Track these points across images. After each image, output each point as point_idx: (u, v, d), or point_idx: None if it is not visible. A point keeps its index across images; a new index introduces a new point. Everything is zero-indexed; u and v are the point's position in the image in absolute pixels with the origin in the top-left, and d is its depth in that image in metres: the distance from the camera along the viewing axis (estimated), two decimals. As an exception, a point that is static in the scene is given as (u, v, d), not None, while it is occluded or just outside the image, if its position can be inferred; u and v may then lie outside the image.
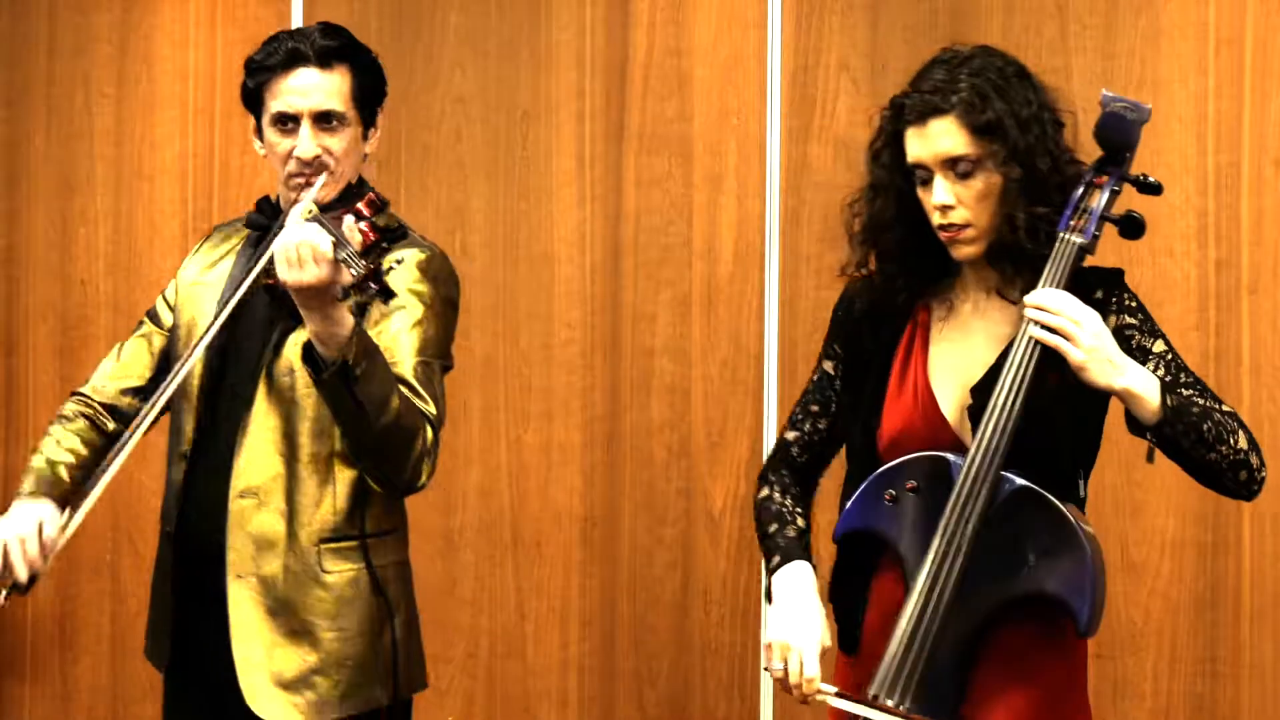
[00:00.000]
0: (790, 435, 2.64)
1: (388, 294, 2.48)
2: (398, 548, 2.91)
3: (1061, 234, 2.37)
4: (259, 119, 2.85)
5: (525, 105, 4.25)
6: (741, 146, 4.08)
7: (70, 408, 2.97)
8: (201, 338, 2.74)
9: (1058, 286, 2.35)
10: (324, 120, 2.78)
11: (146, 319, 3.00)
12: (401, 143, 4.30)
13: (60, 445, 2.89)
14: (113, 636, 4.54)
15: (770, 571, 2.51)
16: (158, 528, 4.49)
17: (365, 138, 2.87)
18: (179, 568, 2.84)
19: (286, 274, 2.51)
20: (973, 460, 2.36)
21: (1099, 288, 2.45)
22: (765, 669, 2.46)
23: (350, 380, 2.53)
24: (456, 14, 4.31)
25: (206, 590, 2.78)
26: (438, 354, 2.79)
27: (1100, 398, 2.44)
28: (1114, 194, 2.41)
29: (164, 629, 2.87)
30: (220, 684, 2.76)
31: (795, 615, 2.43)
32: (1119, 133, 2.39)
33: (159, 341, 2.96)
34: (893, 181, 2.45)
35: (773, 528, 2.55)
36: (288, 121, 2.79)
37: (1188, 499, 3.76)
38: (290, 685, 2.73)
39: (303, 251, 2.49)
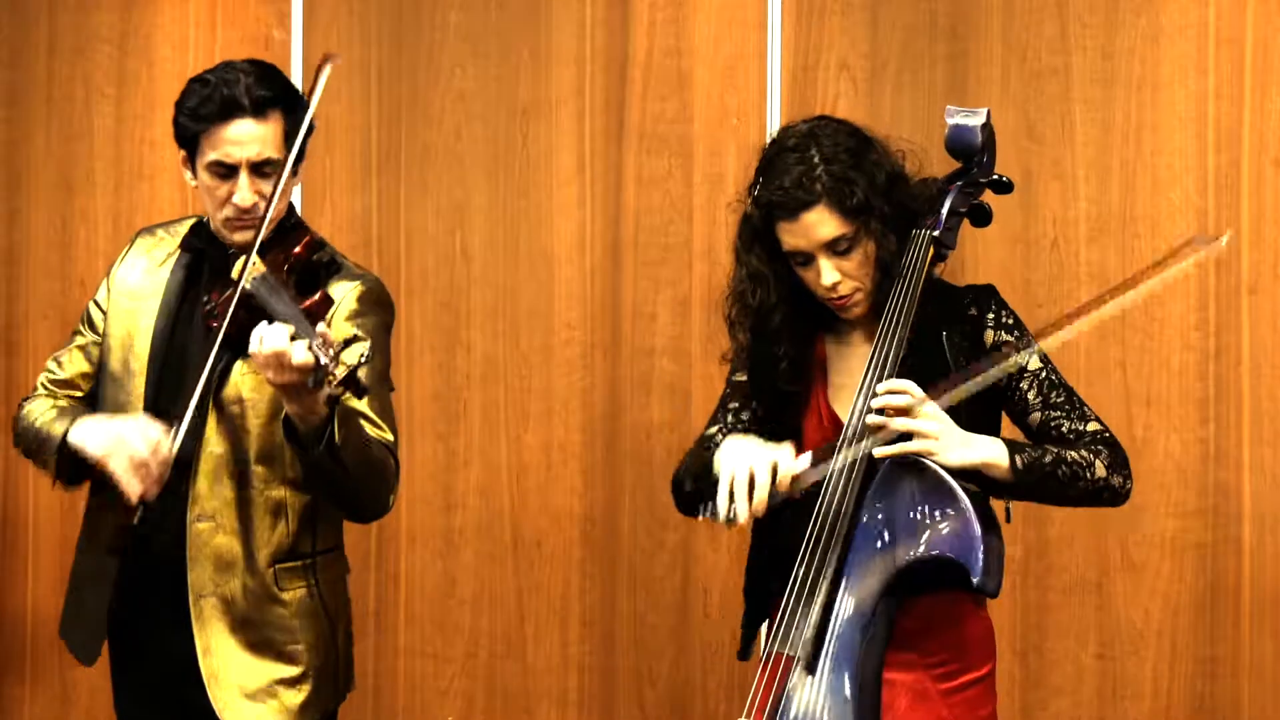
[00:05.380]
0: (711, 429, 2.71)
1: (361, 390, 2.56)
2: (340, 562, 3.02)
3: (915, 231, 2.55)
4: (192, 157, 2.87)
5: (525, 104, 4.25)
6: (741, 146, 4.07)
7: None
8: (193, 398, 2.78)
9: (912, 274, 2.53)
10: (260, 168, 2.82)
11: (83, 327, 3.02)
12: (401, 142, 4.30)
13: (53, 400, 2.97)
14: (113, 636, 4.54)
15: (710, 459, 2.52)
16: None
17: (296, 173, 2.92)
18: (127, 580, 2.91)
19: (268, 375, 2.59)
20: (844, 437, 2.50)
21: (973, 304, 2.61)
22: (706, 512, 2.47)
23: (335, 455, 2.65)
24: (457, 12, 4.30)
25: (162, 610, 2.88)
26: (383, 379, 2.91)
27: (991, 410, 2.60)
28: (966, 193, 2.59)
29: (97, 631, 2.94)
30: (181, 697, 2.88)
31: (746, 443, 2.47)
32: (961, 141, 2.61)
33: (95, 351, 2.98)
34: (772, 269, 2.60)
35: (701, 456, 2.59)
36: (224, 169, 2.83)
37: (1188, 499, 3.77)
38: (256, 695, 2.87)
39: (281, 360, 2.55)
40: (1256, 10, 3.75)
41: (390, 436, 2.83)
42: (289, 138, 2.83)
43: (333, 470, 2.68)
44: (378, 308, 2.93)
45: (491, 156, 4.27)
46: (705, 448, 2.67)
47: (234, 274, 2.72)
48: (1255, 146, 3.75)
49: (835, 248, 2.53)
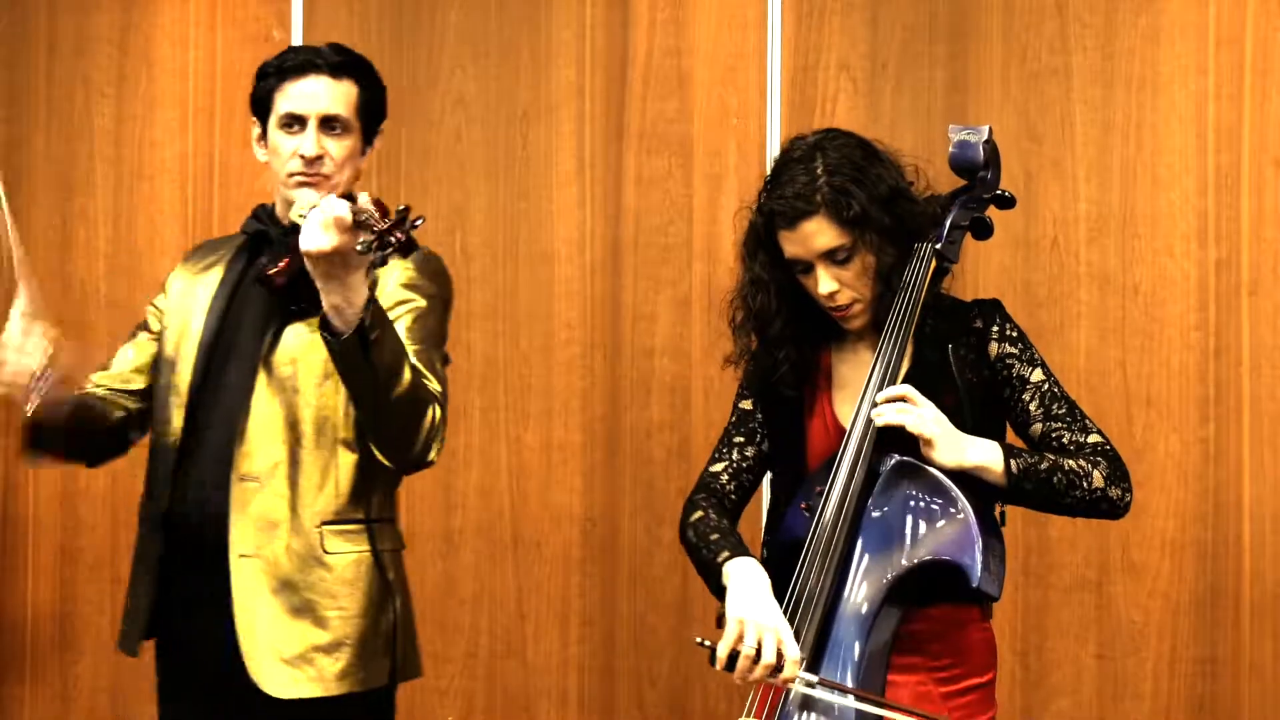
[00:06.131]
0: (716, 467, 2.74)
1: (410, 247, 2.50)
2: (395, 536, 2.98)
3: (917, 245, 2.59)
4: (264, 123, 2.96)
5: (525, 105, 4.25)
6: (741, 146, 4.08)
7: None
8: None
9: (914, 286, 2.56)
10: (329, 125, 2.90)
11: (137, 328, 3.08)
12: (401, 143, 4.30)
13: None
14: (113, 636, 4.52)
15: (721, 563, 2.56)
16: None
17: (363, 152, 2.98)
18: (171, 553, 2.89)
19: (310, 241, 2.57)
20: (846, 444, 2.54)
21: (979, 317, 2.64)
22: (705, 643, 2.49)
23: (366, 344, 2.62)
24: (456, 14, 4.31)
25: (204, 572, 2.84)
26: (437, 345, 2.89)
27: (994, 421, 2.62)
28: (969, 209, 2.63)
29: (140, 617, 2.93)
30: (219, 664, 2.82)
31: (764, 599, 2.48)
32: (965, 159, 2.65)
33: (149, 348, 3.03)
34: (773, 276, 2.64)
35: (715, 536, 2.62)
36: (295, 123, 2.91)
37: (1188, 499, 3.77)
38: (292, 661, 2.81)
39: (325, 217, 2.57)
40: (1256, 10, 3.75)
41: (438, 388, 2.80)
42: (361, 108, 2.93)
43: (362, 368, 2.64)
44: (438, 279, 2.94)
45: (491, 157, 4.27)
46: (711, 489, 2.72)
47: (293, 215, 2.73)
48: (1255, 146, 3.75)
49: (833, 257, 2.56)
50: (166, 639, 2.95)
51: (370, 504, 2.88)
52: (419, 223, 2.51)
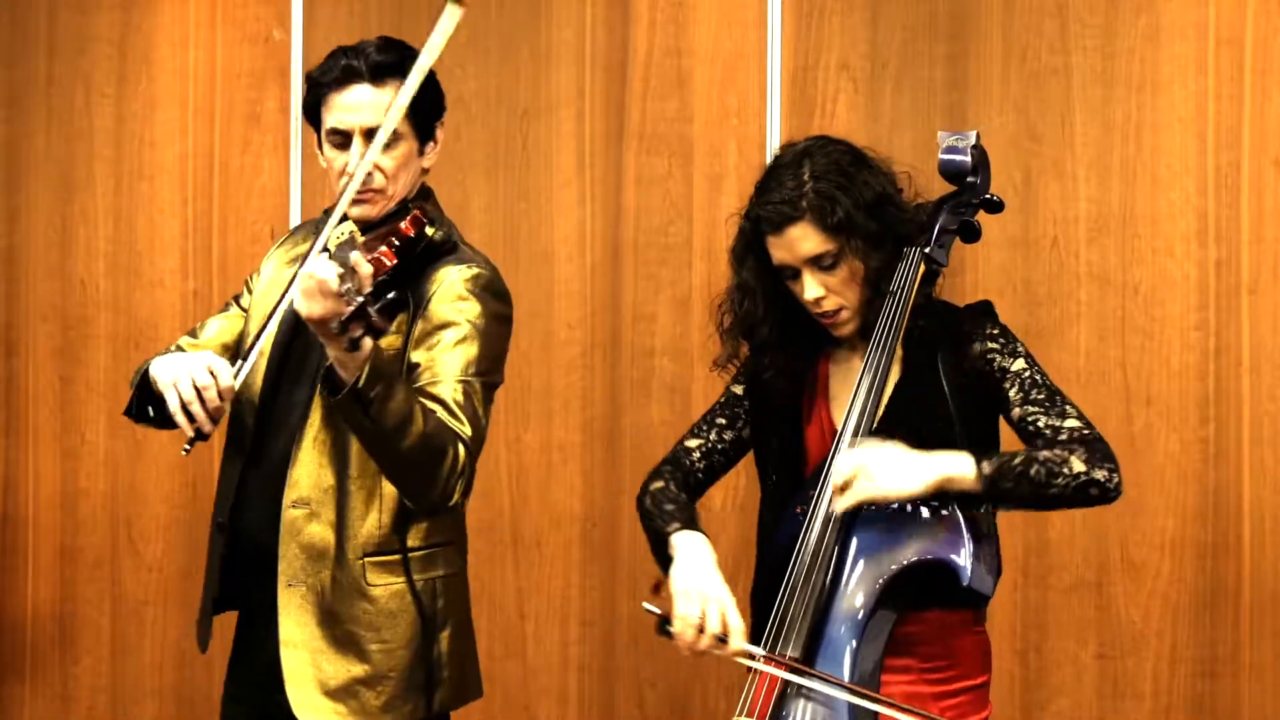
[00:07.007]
0: (691, 443, 2.76)
1: (377, 332, 2.44)
2: (448, 561, 2.90)
3: (907, 249, 2.60)
4: (318, 134, 2.87)
5: (525, 104, 4.25)
6: (741, 146, 4.08)
7: None
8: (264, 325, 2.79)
9: (903, 290, 2.57)
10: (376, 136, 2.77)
11: (232, 299, 3.02)
12: (401, 142, 4.30)
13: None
14: (113, 636, 4.55)
15: (669, 534, 2.60)
16: (157, 528, 4.51)
17: (422, 152, 2.88)
18: (229, 562, 2.87)
19: (299, 306, 2.53)
20: (836, 446, 2.56)
21: (967, 320, 2.64)
22: (655, 610, 2.52)
23: (364, 404, 2.54)
24: (456, 14, 4.30)
25: (256, 594, 2.82)
26: (481, 372, 2.77)
27: (988, 412, 2.61)
28: (957, 213, 2.64)
29: (206, 618, 2.91)
30: (265, 686, 2.80)
31: (710, 572, 2.52)
32: (953, 165, 2.66)
33: (237, 325, 2.97)
34: (760, 283, 2.65)
35: (670, 507, 2.65)
36: (340, 137, 2.82)
37: (1188, 499, 3.77)
38: (335, 694, 2.77)
39: (309, 285, 2.50)
40: (1256, 10, 3.76)
41: (466, 430, 2.69)
42: (413, 110, 2.78)
43: (365, 425, 2.56)
44: (487, 295, 2.80)
45: (491, 156, 4.27)
46: (680, 463, 2.73)
47: (326, 239, 2.70)
48: (1255, 146, 3.75)
49: (819, 263, 2.56)
50: (235, 659, 2.93)
51: (409, 533, 2.80)
52: (396, 311, 2.48)
